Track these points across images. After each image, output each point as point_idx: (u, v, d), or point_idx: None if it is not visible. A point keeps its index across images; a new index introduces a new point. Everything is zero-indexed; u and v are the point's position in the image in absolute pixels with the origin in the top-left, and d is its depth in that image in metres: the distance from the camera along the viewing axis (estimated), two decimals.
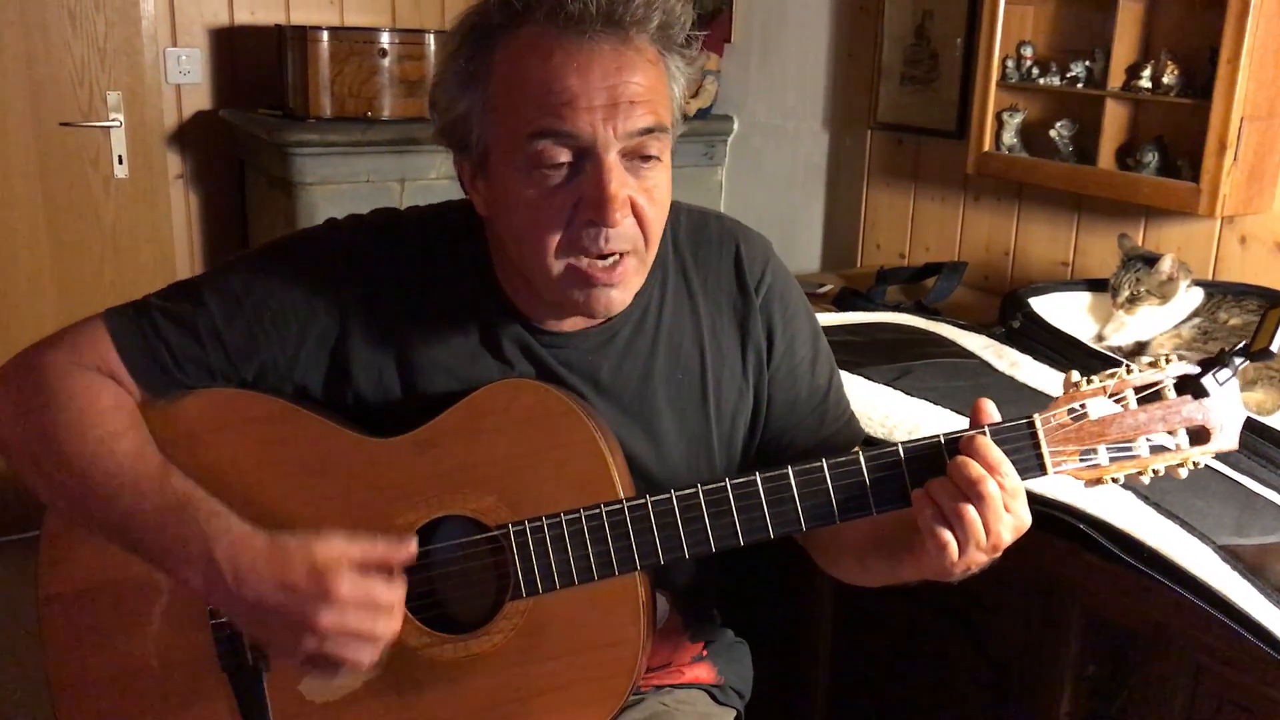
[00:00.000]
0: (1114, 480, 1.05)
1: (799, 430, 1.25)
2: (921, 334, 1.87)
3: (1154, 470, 1.05)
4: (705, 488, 1.06)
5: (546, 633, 1.09)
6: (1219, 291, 1.92)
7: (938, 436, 1.04)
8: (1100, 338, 1.95)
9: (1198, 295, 1.91)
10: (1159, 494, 1.31)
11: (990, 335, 1.87)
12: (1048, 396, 1.64)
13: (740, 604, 1.51)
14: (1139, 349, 1.91)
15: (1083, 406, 1.05)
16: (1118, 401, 1.05)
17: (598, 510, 1.07)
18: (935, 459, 1.03)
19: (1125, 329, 1.93)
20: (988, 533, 0.99)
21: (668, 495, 1.06)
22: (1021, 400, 1.58)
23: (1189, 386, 1.05)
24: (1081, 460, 1.05)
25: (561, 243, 1.05)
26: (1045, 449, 1.03)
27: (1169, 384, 1.05)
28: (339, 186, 2.95)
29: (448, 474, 1.09)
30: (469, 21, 1.08)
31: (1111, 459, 1.05)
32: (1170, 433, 1.04)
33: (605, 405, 1.18)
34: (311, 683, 1.11)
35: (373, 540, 1.02)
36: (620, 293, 1.09)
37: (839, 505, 1.04)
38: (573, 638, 1.09)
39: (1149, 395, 1.05)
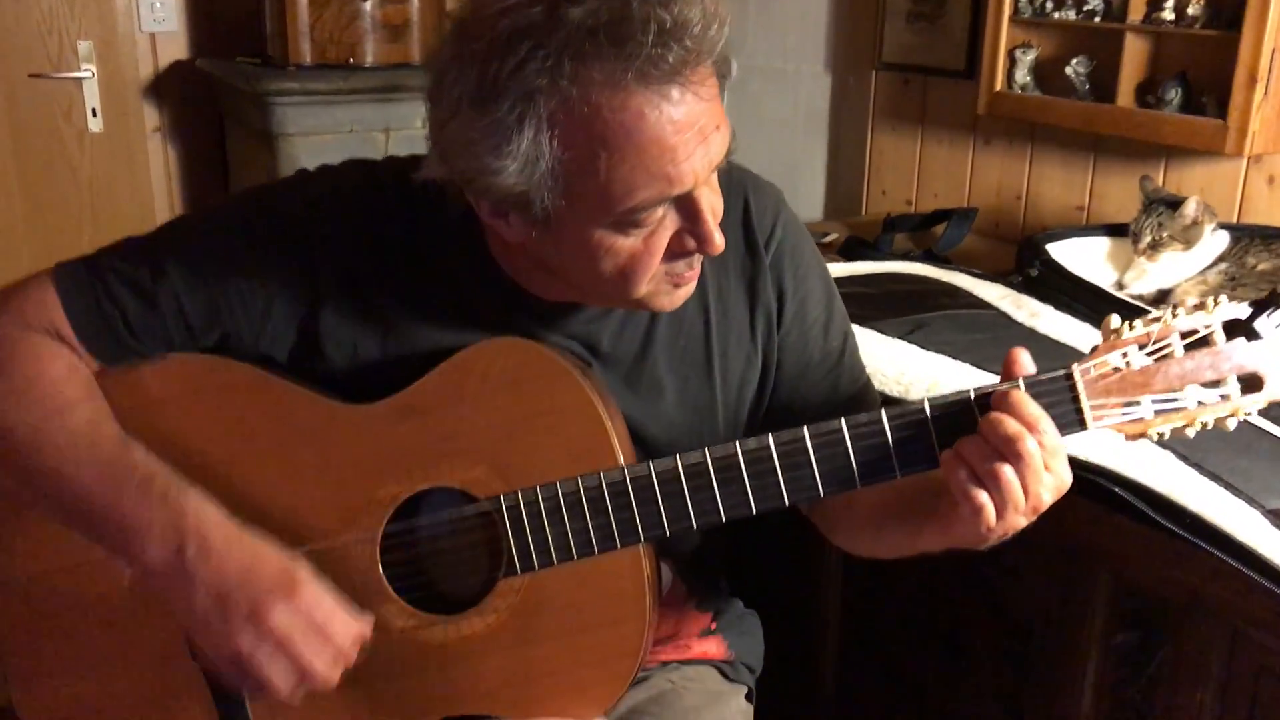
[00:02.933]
0: (1158, 435, 0.97)
1: (810, 396, 1.16)
2: (935, 284, 1.77)
3: (1202, 423, 0.96)
4: (714, 454, 0.97)
5: (544, 612, 1.01)
6: (1245, 235, 1.83)
7: (967, 392, 0.95)
8: (1120, 286, 1.86)
9: (1223, 239, 1.82)
10: (1200, 453, 1.22)
11: (1007, 284, 1.78)
12: (1071, 349, 1.56)
13: (747, 570, 1.43)
14: (1161, 297, 1.82)
15: (1124, 355, 0.96)
16: (1162, 349, 0.96)
17: (597, 479, 0.98)
18: (965, 416, 0.95)
19: (1147, 277, 1.84)
20: (1026, 494, 0.90)
21: (673, 462, 0.97)
22: (1044, 353, 1.48)
23: (1239, 330, 0.96)
24: (1124, 413, 0.96)
25: (655, 274, 0.97)
26: (1085, 402, 0.94)
27: (1217, 328, 0.96)
28: (322, 137, 2.84)
29: (433, 443, 1.00)
30: (501, 54, 0.87)
31: (1156, 411, 0.96)
32: (1219, 381, 0.96)
33: (605, 375, 1.09)
34: None
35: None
36: (693, 285, 1.02)
37: (860, 469, 0.96)
38: (573, 617, 1.00)
39: (1195, 341, 0.96)
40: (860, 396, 1.19)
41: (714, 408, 1.14)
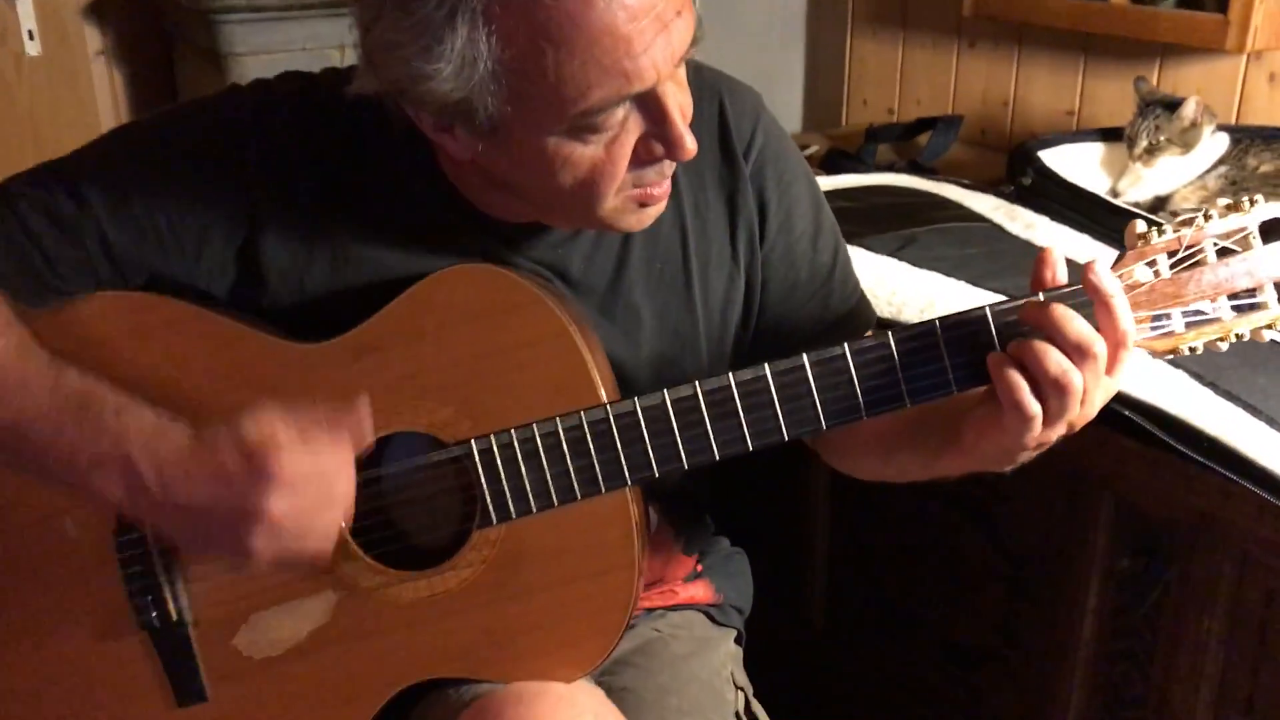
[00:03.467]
0: (1189, 350, 0.90)
1: (799, 318, 1.08)
2: (923, 197, 1.68)
3: (1237, 334, 0.89)
4: (705, 386, 0.89)
5: (524, 564, 0.93)
6: (1245, 136, 1.74)
7: (983, 309, 0.87)
8: (1114, 193, 1.78)
9: (1223, 141, 1.74)
10: (1214, 372, 1.15)
11: (999, 195, 1.69)
12: (1070, 262, 1.47)
13: (730, 503, 1.35)
14: (1159, 204, 1.74)
15: (1152, 265, 0.88)
16: (1194, 256, 0.88)
17: (578, 418, 0.90)
18: (981, 336, 0.87)
19: (1143, 183, 1.75)
20: (1084, 401, 0.84)
21: (660, 397, 0.89)
22: None
23: (1277, 232, 0.89)
24: (1153, 328, 0.89)
25: (622, 184, 0.88)
26: None
27: (1254, 231, 0.88)
28: (273, 56, 2.69)
29: (394, 383, 0.91)
30: None
31: (1188, 324, 0.89)
32: (1255, 289, 0.88)
33: (577, 304, 1.00)
34: (249, 634, 0.94)
35: (313, 406, 0.85)
36: (665, 202, 0.93)
37: (865, 398, 0.88)
38: (555, 568, 0.93)
39: (1229, 246, 0.89)
40: (855, 316, 1.10)
41: (696, 335, 1.05)
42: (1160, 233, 0.88)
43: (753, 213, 1.04)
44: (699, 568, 1.21)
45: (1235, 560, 1.23)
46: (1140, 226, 0.89)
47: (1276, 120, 1.83)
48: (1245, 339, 0.90)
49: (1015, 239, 1.50)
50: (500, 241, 0.97)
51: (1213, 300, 0.88)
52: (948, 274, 1.35)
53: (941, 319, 0.87)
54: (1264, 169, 1.70)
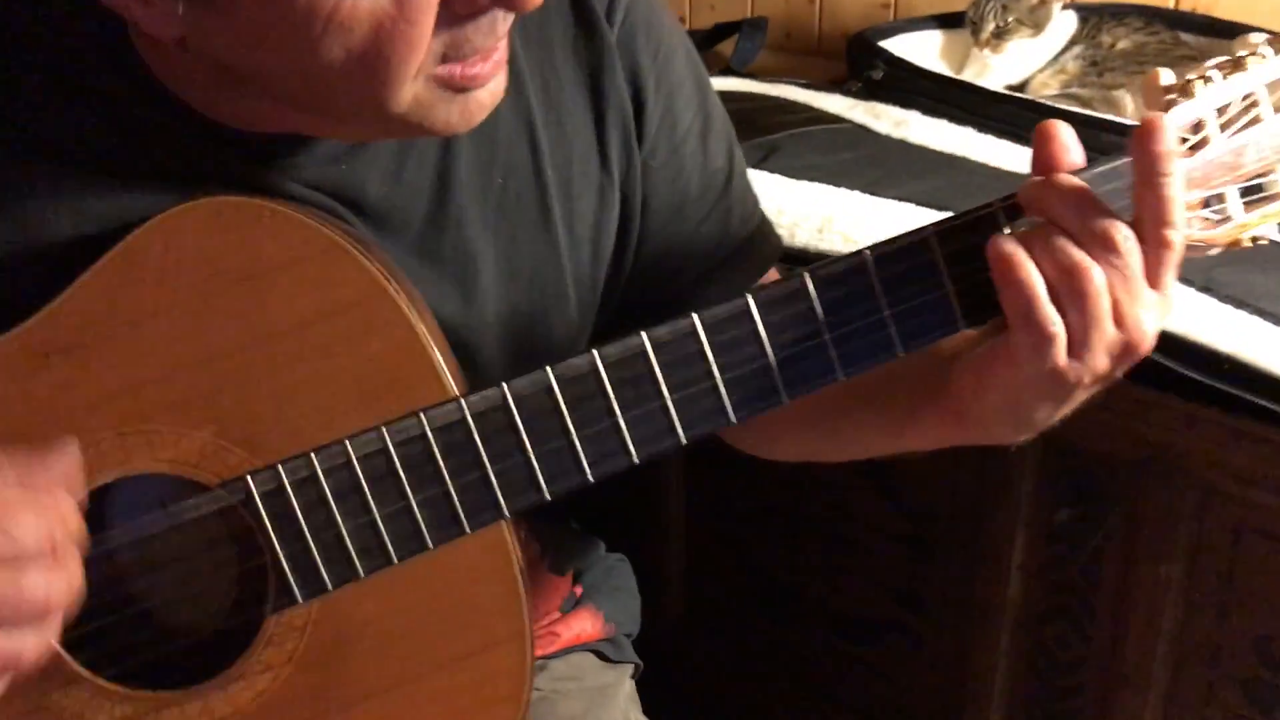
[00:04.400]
0: (1253, 241, 0.66)
1: (692, 247, 0.78)
2: (763, 101, 1.42)
3: None
4: (606, 354, 0.58)
5: (353, 658, 0.60)
6: (1092, 13, 1.58)
7: (926, 229, 0.60)
8: None
9: (1070, 20, 1.56)
10: (1202, 274, 0.93)
11: (846, 93, 1.44)
12: (969, 161, 1.24)
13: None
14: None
15: (1198, 126, 0.63)
16: (1247, 111, 0.64)
17: (415, 425, 0.57)
18: (926, 271, 0.60)
19: (992, 71, 1.55)
20: (1120, 320, 0.57)
21: (544, 378, 0.58)
22: (938, 168, 1.16)
23: None
24: (1209, 214, 0.64)
25: (428, 56, 0.55)
26: None
27: None
28: None
29: (106, 398, 0.56)
30: None
31: (1247, 204, 0.65)
32: None
33: (392, 250, 0.67)
34: None
35: None
36: (498, 83, 0.60)
37: (783, 371, 0.60)
38: (403, 658, 0.60)
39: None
40: (761, 241, 0.82)
41: (561, 279, 0.74)
42: (1205, 81, 0.63)
43: (624, 99, 0.73)
44: (577, 590, 0.90)
45: (1196, 496, 1.04)
46: (1167, 76, 0.64)
47: None
48: None
49: (888, 139, 1.25)
50: (249, 159, 0.63)
51: (1273, 169, 0.65)
52: (831, 183, 1.09)
53: (935, 226, 0.60)
54: (1121, 45, 1.53)
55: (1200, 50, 1.51)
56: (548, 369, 0.58)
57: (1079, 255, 0.56)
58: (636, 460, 0.59)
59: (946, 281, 0.59)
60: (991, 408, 0.62)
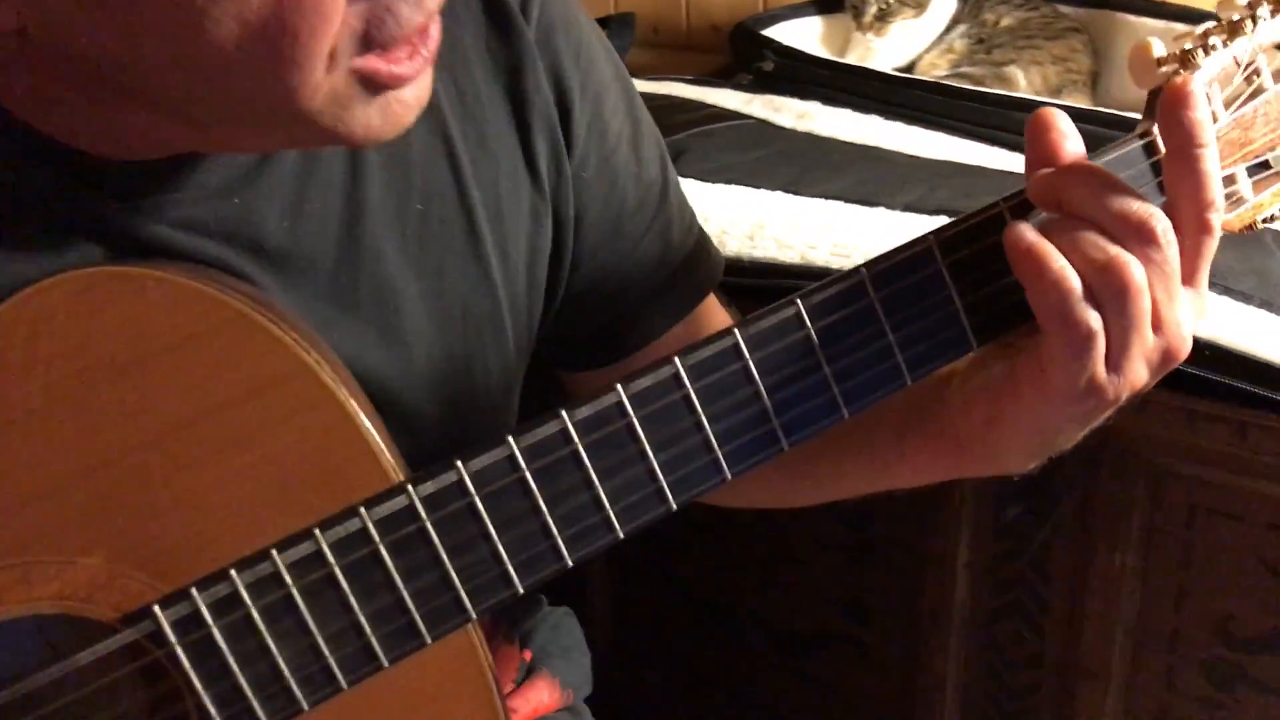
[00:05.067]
0: (1265, 222, 0.61)
1: (632, 266, 0.70)
2: (656, 99, 1.35)
3: None
4: (576, 414, 0.50)
5: None
6: None
7: (927, 237, 0.53)
8: None
9: (951, 0, 1.53)
10: None
11: (737, 87, 1.38)
12: (883, 150, 1.19)
13: None
14: None
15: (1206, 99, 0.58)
16: (1249, 82, 0.59)
17: (355, 520, 0.48)
18: (933, 284, 0.53)
19: (876, 54, 1.51)
20: (1157, 325, 0.51)
21: (502, 446, 0.49)
22: (854, 161, 1.11)
23: None
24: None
25: (344, 33, 0.45)
26: None
27: None
28: None
29: None
30: None
31: (1255, 180, 0.60)
32: None
33: (286, 295, 0.57)
34: None
35: None
36: (425, 82, 0.50)
37: (779, 410, 0.52)
38: None
39: None
40: (703, 256, 0.74)
41: (497, 312, 0.65)
42: (1208, 50, 0.58)
43: (549, 104, 0.64)
44: (527, 655, 0.81)
45: (1148, 480, 1.02)
46: (1159, 48, 0.58)
47: None
48: None
49: (794, 133, 1.19)
50: (124, 197, 0.52)
51: (1277, 145, 0.60)
52: (750, 184, 1.02)
53: (936, 234, 0.53)
54: (1005, 22, 1.51)
55: (1081, 21, 1.50)
56: (509, 437, 0.49)
57: (1114, 249, 0.50)
58: (621, 535, 0.50)
59: (954, 296, 0.52)
60: (1009, 435, 0.55)
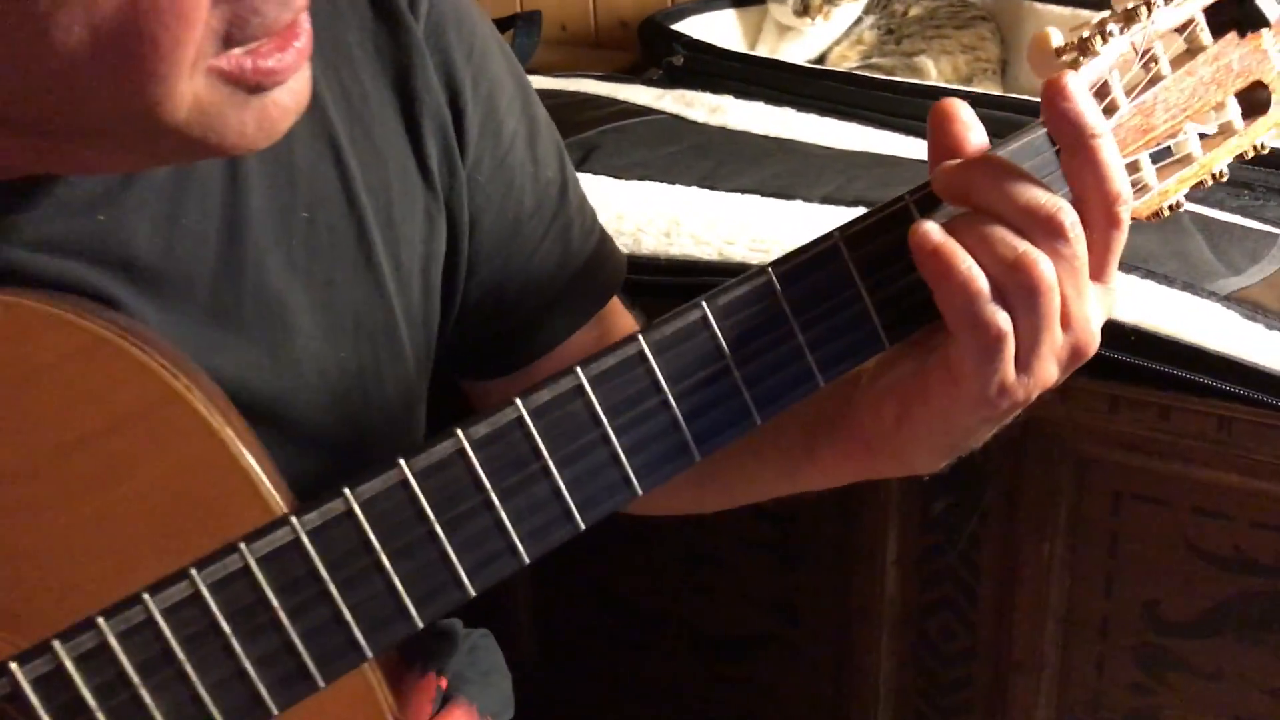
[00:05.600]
0: (1171, 209, 0.60)
1: (531, 272, 0.67)
2: (565, 96, 1.31)
3: (1215, 173, 0.61)
4: (472, 432, 0.46)
5: None
6: None
7: (832, 234, 0.51)
8: None
9: None
10: None
11: (648, 82, 1.35)
12: (798, 143, 1.17)
13: None
14: None
15: (1103, 90, 0.56)
16: (1146, 69, 0.58)
17: (235, 558, 0.44)
18: (843, 284, 0.51)
19: (789, 47, 1.50)
20: (1066, 322, 0.49)
21: (393, 471, 0.45)
22: (770, 154, 1.08)
23: (1233, 18, 0.60)
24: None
25: (205, 34, 0.41)
26: None
27: (1201, 20, 0.59)
28: None
29: None
30: None
31: (1159, 167, 0.59)
32: (1219, 106, 0.60)
33: (161, 316, 0.53)
34: None
35: None
36: (301, 82, 0.46)
37: (692, 424, 0.49)
38: None
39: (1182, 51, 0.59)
40: (605, 260, 0.71)
41: (392, 323, 0.61)
42: (1105, 37, 0.56)
43: (440, 104, 0.61)
44: (443, 683, 0.77)
45: (1073, 468, 1.01)
46: (1057, 38, 0.57)
47: None
48: (1224, 178, 0.61)
49: (708, 128, 1.17)
50: None
51: (1178, 131, 0.59)
52: (665, 180, 1.00)
53: (841, 230, 0.50)
54: (914, 12, 1.51)
55: (988, 10, 1.50)
56: (400, 460, 0.46)
57: (1023, 246, 0.47)
58: (527, 560, 0.47)
59: (863, 293, 0.50)
60: (918, 436, 0.53)
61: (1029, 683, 1.10)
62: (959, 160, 0.50)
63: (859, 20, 1.51)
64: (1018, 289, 0.47)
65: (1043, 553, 1.05)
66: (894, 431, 0.54)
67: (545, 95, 1.39)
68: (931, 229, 0.48)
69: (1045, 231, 0.48)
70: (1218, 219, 0.91)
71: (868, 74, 1.36)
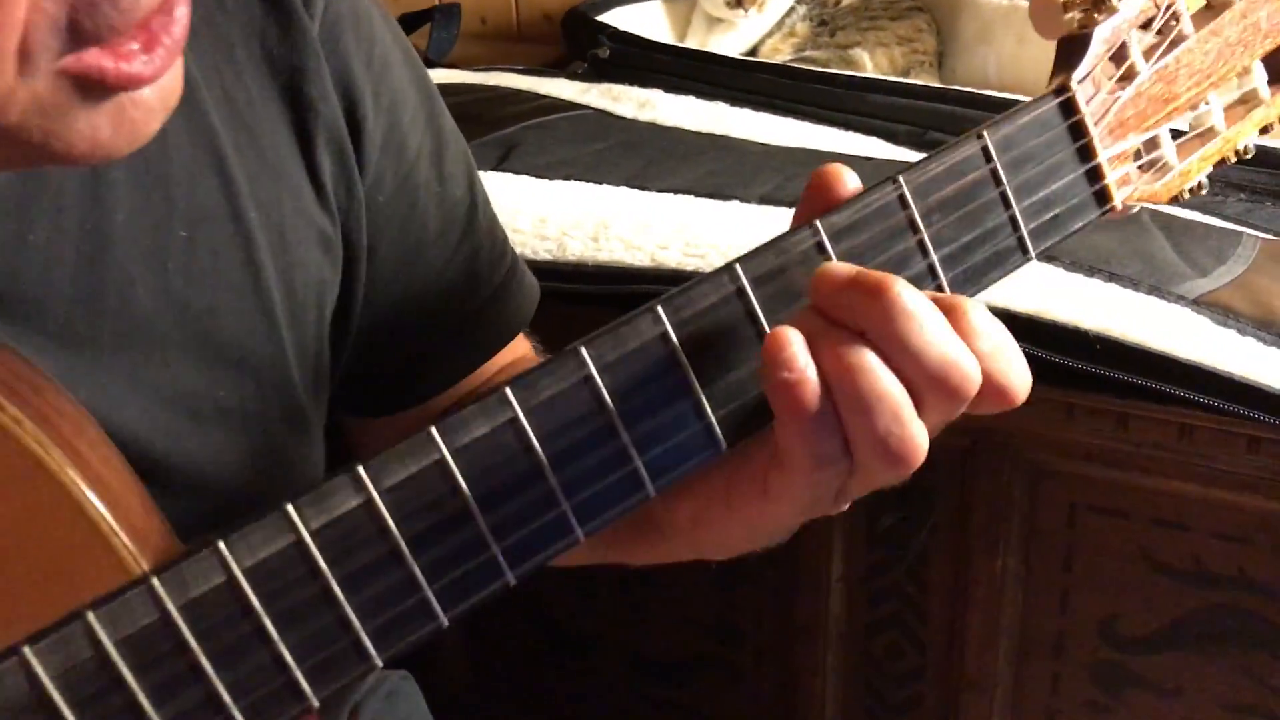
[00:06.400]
0: (1191, 192, 0.55)
1: (433, 301, 0.60)
2: (483, 90, 1.24)
3: (1240, 149, 0.56)
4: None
5: None
6: None
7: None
8: None
9: None
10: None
11: (572, 76, 1.28)
12: (732, 139, 1.10)
13: None
14: None
15: (1120, 54, 0.51)
16: (1169, 28, 0.52)
17: (77, 627, 0.36)
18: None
19: (718, 39, 1.44)
20: (921, 406, 0.41)
21: (277, 521, 0.38)
22: (703, 151, 1.02)
23: None
24: (1144, 162, 0.53)
25: (42, 23, 0.32)
26: (1101, 152, 0.49)
27: None
28: None
29: None
30: None
31: (1180, 145, 0.54)
32: (1243, 71, 0.55)
33: (12, 342, 0.44)
34: None
35: None
36: (172, 80, 0.38)
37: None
38: None
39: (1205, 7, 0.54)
40: (515, 289, 0.64)
41: (281, 356, 0.53)
42: None
43: (336, 114, 0.53)
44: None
45: (1025, 479, 0.96)
46: None
47: None
48: (1249, 154, 0.56)
49: (636, 124, 1.10)
50: None
51: (1199, 102, 0.53)
52: (591, 180, 0.92)
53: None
54: (847, 1, 1.46)
55: (924, 1, 1.45)
56: (288, 506, 0.38)
57: (841, 347, 0.40)
58: (445, 624, 0.40)
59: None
60: (715, 536, 0.48)
61: (981, 702, 1.05)
62: (851, 274, 0.41)
63: (791, 10, 1.45)
64: (852, 397, 0.40)
65: (995, 568, 1.00)
66: (689, 530, 0.48)
67: (464, 90, 1.32)
68: (784, 339, 0.40)
69: (876, 319, 0.40)
70: (1179, 216, 0.86)
71: (802, 67, 1.31)
